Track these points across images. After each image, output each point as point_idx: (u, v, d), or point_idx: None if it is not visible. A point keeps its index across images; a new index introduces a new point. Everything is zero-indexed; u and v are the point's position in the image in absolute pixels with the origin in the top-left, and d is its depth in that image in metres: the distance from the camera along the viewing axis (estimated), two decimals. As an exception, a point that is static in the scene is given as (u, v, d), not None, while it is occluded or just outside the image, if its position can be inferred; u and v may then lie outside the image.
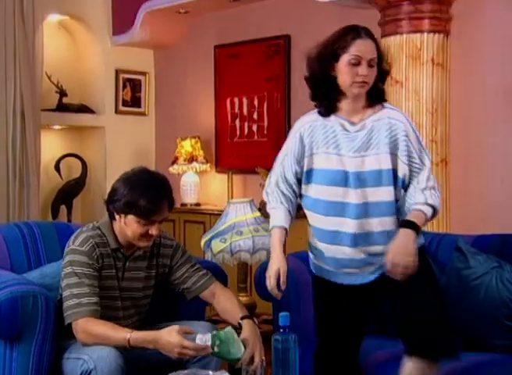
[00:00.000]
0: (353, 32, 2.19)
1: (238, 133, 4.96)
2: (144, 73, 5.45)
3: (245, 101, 4.90)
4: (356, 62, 2.15)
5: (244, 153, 4.90)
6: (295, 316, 2.61)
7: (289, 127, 4.56)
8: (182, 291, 2.55)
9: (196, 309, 2.68)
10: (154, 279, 2.53)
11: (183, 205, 4.94)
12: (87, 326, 2.25)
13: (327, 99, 2.24)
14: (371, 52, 2.17)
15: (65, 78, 5.11)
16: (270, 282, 2.23)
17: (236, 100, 4.95)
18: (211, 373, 2.09)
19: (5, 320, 2.22)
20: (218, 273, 2.73)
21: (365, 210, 2.17)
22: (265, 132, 4.79)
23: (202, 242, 3.53)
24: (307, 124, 2.28)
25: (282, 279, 2.23)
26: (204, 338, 2.16)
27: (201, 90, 5.18)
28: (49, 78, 4.93)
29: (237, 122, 4.96)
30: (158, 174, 2.45)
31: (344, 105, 2.23)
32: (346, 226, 2.19)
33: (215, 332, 2.19)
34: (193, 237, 4.50)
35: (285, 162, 2.30)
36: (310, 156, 2.26)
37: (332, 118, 2.24)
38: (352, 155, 2.19)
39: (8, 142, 4.48)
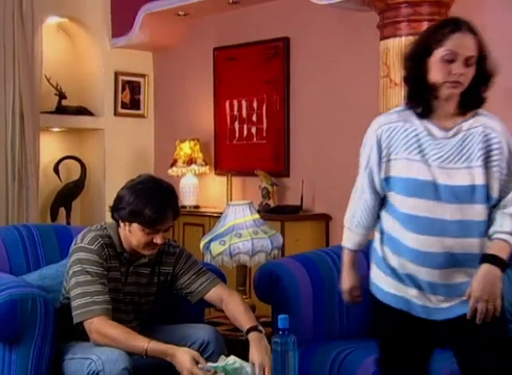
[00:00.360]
0: (452, 25, 1.95)
1: (237, 135, 4.96)
2: (143, 76, 5.45)
3: (244, 103, 4.90)
4: (450, 59, 1.90)
5: (243, 155, 4.90)
6: (294, 319, 2.62)
7: (289, 130, 4.66)
8: (186, 296, 2.55)
9: (195, 311, 2.68)
10: (156, 286, 2.53)
11: (182, 207, 4.91)
12: (102, 326, 2.24)
13: (422, 99, 1.97)
14: (469, 49, 1.92)
15: (65, 80, 5.11)
16: (345, 297, 2.22)
17: (236, 102, 4.95)
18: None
19: (4, 322, 2.22)
20: (217, 275, 2.73)
21: (458, 228, 1.91)
22: (264, 134, 4.78)
23: (201, 244, 3.52)
24: (385, 125, 2.01)
25: (357, 294, 2.20)
26: (205, 367, 2.14)
27: (200, 92, 5.19)
28: (48, 80, 4.94)
29: (236, 124, 4.95)
30: (164, 182, 2.43)
31: (434, 106, 1.97)
32: (432, 245, 1.93)
33: (216, 364, 2.16)
34: (193, 239, 4.49)
35: (369, 171, 2.05)
36: (387, 162, 2.00)
37: (415, 120, 1.98)
38: (438, 164, 1.93)
39: (7, 144, 4.48)
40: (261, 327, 2.36)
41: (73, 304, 2.29)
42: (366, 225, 2.13)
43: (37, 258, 2.73)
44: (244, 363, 2.17)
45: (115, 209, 2.38)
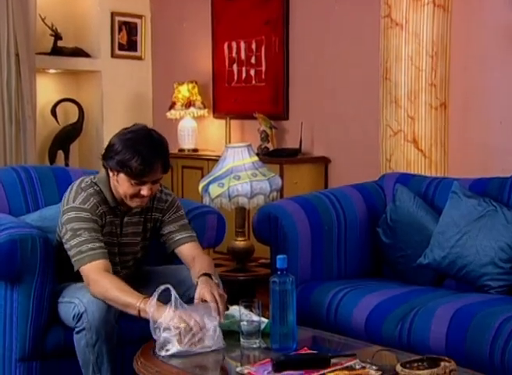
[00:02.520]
0: None
1: (236, 77, 4.91)
2: (139, 16, 5.35)
3: (243, 45, 4.83)
4: None
5: (242, 98, 4.86)
6: (292, 260, 2.64)
7: (288, 72, 4.61)
8: (163, 243, 2.52)
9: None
10: (150, 232, 2.51)
11: (180, 150, 4.92)
12: (98, 274, 2.21)
13: None
14: None
15: (60, 21, 5.02)
16: None
17: (234, 44, 4.88)
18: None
19: (4, 262, 2.23)
20: (216, 217, 2.74)
21: None
22: (263, 77, 4.74)
23: (200, 187, 3.52)
24: None
25: None
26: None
27: (198, 33, 5.10)
28: (43, 20, 4.84)
29: (235, 66, 4.90)
30: (157, 134, 2.35)
31: None
32: None
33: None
34: (191, 182, 4.50)
35: None
36: None
37: None
38: None
39: (3, 85, 4.41)
40: (213, 276, 2.28)
41: (70, 254, 2.28)
42: None
43: (35, 200, 2.73)
44: (236, 311, 2.15)
45: (104, 158, 2.33)
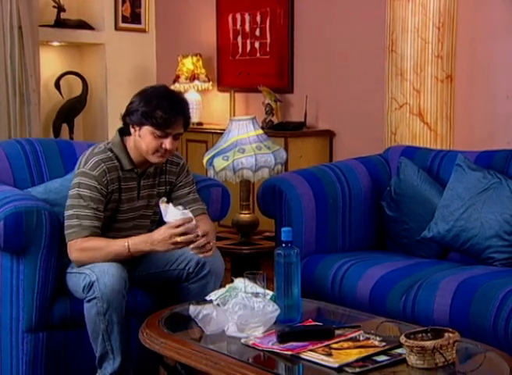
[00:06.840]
0: None
1: (240, 50, 4.87)
2: (143, -12, 5.30)
3: (247, 17, 4.79)
4: None
5: (246, 71, 4.83)
6: (297, 233, 2.65)
7: (293, 44, 4.57)
8: None
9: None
10: (163, 195, 2.52)
11: (184, 123, 4.91)
12: (83, 244, 2.28)
13: None
14: None
15: (63, -7, 4.98)
16: None
17: (239, 16, 4.84)
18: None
19: (10, 234, 2.24)
20: (220, 190, 2.74)
21: None
22: (268, 49, 4.70)
23: (204, 160, 3.52)
24: None
25: None
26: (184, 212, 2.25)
27: (203, 5, 5.06)
28: (46, -8, 4.81)
29: (239, 39, 4.86)
30: (178, 92, 2.49)
31: None
32: None
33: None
34: (196, 156, 4.49)
35: None
36: None
37: None
38: None
39: (6, 59, 4.38)
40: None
41: (65, 223, 2.33)
42: None
43: (40, 173, 2.73)
44: (241, 284, 2.16)
45: (126, 114, 2.38)
